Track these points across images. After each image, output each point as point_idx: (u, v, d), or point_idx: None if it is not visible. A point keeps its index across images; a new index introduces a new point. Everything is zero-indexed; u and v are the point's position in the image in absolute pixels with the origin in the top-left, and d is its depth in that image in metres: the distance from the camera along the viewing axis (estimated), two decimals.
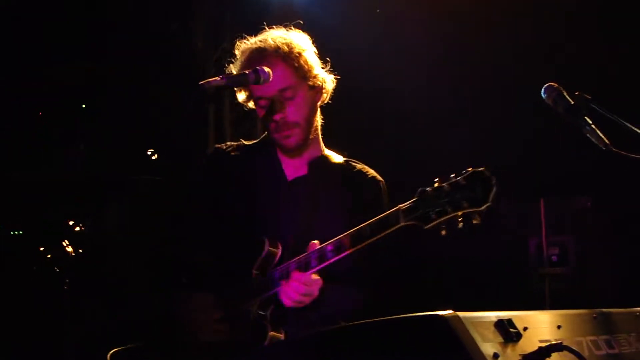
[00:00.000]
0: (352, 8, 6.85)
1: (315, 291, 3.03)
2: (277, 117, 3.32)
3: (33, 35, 6.87)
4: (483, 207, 2.49)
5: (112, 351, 3.33)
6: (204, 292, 3.28)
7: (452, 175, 2.57)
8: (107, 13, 7.04)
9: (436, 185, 2.60)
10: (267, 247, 3.16)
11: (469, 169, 2.53)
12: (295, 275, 2.99)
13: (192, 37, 7.39)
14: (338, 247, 2.90)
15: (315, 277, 3.03)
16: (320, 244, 3.03)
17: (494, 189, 2.46)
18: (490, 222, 2.53)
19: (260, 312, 3.09)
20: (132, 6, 7.09)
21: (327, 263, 2.95)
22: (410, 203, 2.66)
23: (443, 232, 2.58)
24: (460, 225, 2.55)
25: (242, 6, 6.99)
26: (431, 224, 2.59)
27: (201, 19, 7.39)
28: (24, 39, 6.81)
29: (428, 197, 2.60)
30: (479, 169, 2.51)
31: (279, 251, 3.19)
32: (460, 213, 2.53)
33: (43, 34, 6.91)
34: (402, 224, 2.69)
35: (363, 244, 2.84)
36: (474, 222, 2.54)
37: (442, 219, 2.57)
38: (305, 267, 3.00)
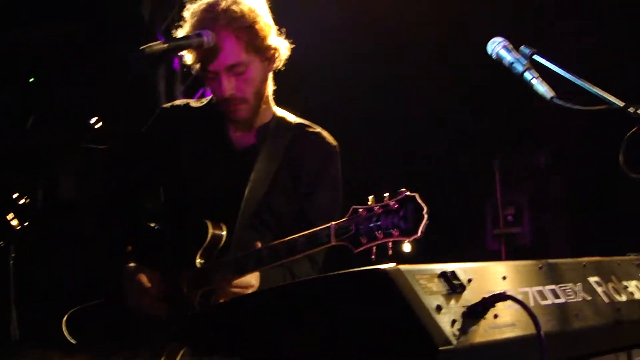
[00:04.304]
0: None
1: (247, 292, 3.02)
2: (224, 93, 3.21)
3: None
4: (412, 239, 2.47)
5: (68, 313, 3.30)
6: (150, 269, 3.24)
7: (385, 196, 2.53)
8: None
9: (369, 204, 2.56)
10: (210, 231, 3.10)
11: (403, 191, 2.49)
12: (231, 277, 2.98)
13: (139, 7, 7.26)
14: (273, 255, 2.87)
15: (250, 279, 3.02)
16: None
17: (424, 220, 2.43)
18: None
19: (202, 301, 3.07)
20: None
21: (263, 268, 2.95)
22: (342, 222, 2.63)
23: (373, 257, 2.56)
24: (390, 251, 2.53)
25: None
26: (361, 248, 2.57)
27: None
28: None
29: (360, 219, 2.56)
30: (412, 195, 2.47)
31: (224, 234, 3.13)
32: (390, 240, 2.52)
33: None
34: (333, 243, 2.67)
35: (296, 256, 2.83)
36: (403, 247, 2.56)
37: (372, 244, 2.55)
38: (241, 269, 2.97)
